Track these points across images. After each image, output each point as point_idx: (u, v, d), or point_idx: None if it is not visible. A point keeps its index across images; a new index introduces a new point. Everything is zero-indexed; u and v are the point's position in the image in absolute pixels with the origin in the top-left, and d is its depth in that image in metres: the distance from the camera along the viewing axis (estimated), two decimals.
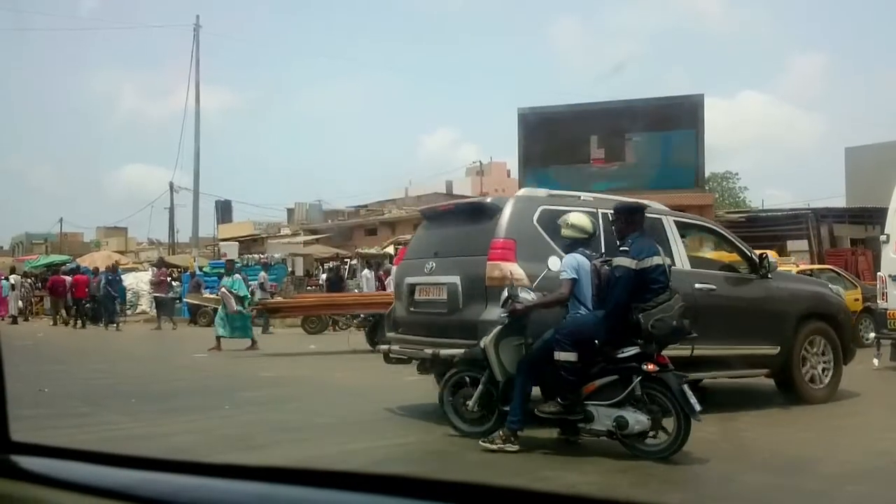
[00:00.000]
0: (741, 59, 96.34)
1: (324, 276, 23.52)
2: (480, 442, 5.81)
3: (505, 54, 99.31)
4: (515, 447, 5.69)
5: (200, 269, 27.47)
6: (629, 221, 5.95)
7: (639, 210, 6.11)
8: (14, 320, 25.45)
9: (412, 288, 7.42)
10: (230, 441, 6.43)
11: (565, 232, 6.16)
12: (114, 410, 7.97)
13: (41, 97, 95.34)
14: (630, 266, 5.60)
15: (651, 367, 5.46)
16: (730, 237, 8.46)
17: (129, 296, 26.65)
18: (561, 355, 5.65)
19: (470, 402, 6.17)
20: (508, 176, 51.48)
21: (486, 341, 6.04)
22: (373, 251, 26.35)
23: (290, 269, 26.71)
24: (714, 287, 7.55)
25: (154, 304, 24.00)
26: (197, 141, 33.12)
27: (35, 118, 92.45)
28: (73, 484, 1.06)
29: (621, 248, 5.76)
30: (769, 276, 7.98)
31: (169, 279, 24.80)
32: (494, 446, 5.69)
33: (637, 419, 5.40)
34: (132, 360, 14.12)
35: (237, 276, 15.61)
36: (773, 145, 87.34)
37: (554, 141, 27.94)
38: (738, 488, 4.97)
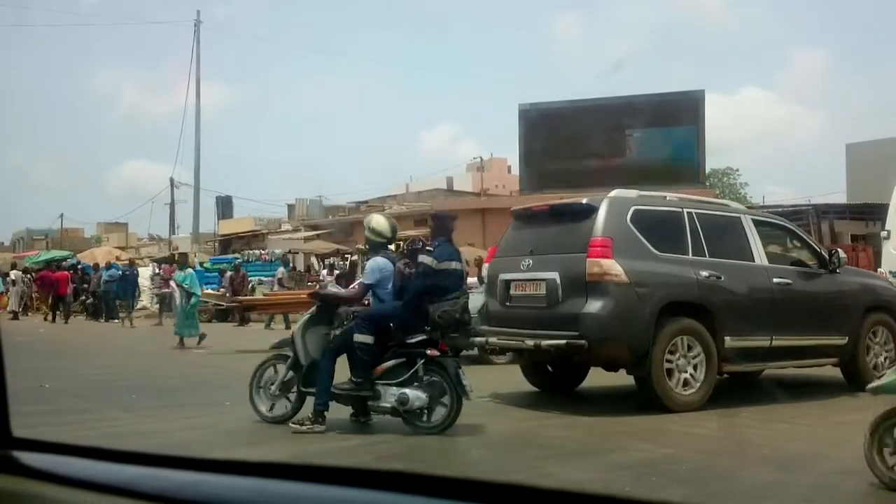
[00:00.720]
0: (742, 55, 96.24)
1: (324, 272, 23.53)
2: (290, 424, 6.31)
3: (506, 50, 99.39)
4: (323, 427, 6.19)
5: (201, 264, 27.49)
6: (439, 227, 6.69)
7: (448, 219, 6.90)
8: (15, 316, 25.46)
9: (507, 284, 7.84)
10: (230, 437, 6.45)
11: (367, 235, 6.82)
12: (115, 406, 7.98)
13: (41, 93, 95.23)
14: (430, 264, 6.27)
15: (433, 352, 6.14)
16: (802, 234, 8.96)
17: None
18: (359, 338, 6.25)
19: (273, 387, 6.64)
20: (509, 172, 51.23)
21: (294, 328, 6.70)
22: None
23: (290, 265, 26.70)
24: (790, 282, 8.04)
25: (157, 300, 23.98)
26: (198, 136, 33.20)
27: (35, 114, 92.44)
28: (74, 480, 1.05)
29: (427, 248, 6.54)
30: (837, 270, 8.38)
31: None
32: (304, 428, 6.19)
33: (417, 396, 6.08)
34: (133, 355, 14.11)
35: (189, 270, 15.37)
36: (773, 141, 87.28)
37: (555, 137, 27.96)
38: (738, 484, 4.97)
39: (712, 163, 43.53)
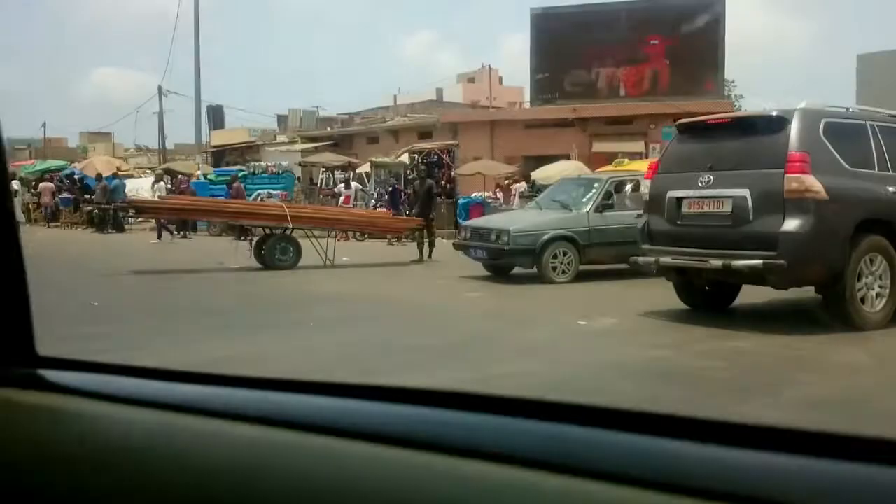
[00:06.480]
0: None
1: (341, 186, 22.77)
2: None
3: None
4: None
5: (205, 176, 26.72)
6: None
7: None
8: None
9: (678, 201, 7.57)
10: (337, 363, 5.86)
11: None
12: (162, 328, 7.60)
13: None
14: None
15: None
16: None
17: None
18: None
19: None
20: (500, 83, 50.14)
21: None
22: (388, 160, 25.62)
23: (297, 177, 26.02)
24: None
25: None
26: (197, 42, 32.02)
27: None
28: (100, 394, 1.01)
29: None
30: None
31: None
32: None
33: None
34: (144, 267, 13.47)
35: None
36: (765, 51, 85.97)
37: (567, 45, 27.07)
38: None
39: None
